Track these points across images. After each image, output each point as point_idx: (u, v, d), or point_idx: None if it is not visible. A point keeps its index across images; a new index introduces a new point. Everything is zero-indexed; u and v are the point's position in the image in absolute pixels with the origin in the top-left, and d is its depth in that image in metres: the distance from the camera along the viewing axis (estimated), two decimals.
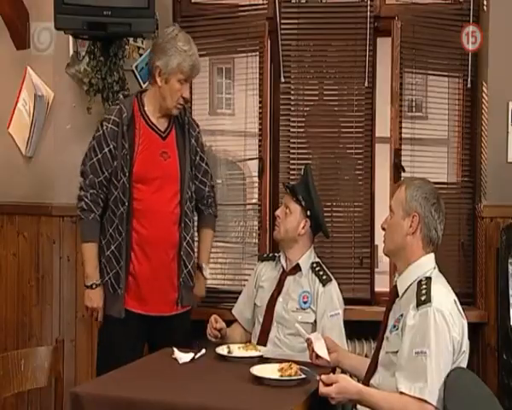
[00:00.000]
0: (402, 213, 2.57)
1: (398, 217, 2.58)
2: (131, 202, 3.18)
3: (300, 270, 3.25)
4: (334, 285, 3.24)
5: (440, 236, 2.58)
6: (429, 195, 2.56)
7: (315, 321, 3.18)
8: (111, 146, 3.21)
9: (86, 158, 3.28)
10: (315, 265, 3.28)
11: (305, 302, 3.20)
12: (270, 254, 3.46)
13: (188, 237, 3.28)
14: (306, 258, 3.27)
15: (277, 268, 3.34)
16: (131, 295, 3.22)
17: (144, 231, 3.20)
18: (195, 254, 3.36)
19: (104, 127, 3.23)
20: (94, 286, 3.25)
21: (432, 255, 2.58)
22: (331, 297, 3.20)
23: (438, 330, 2.36)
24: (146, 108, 3.27)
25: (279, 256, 3.35)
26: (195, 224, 3.39)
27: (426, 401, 2.33)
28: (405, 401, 2.35)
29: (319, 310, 3.18)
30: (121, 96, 3.34)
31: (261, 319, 3.26)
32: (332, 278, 3.26)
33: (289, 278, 3.26)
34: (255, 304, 3.34)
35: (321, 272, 3.25)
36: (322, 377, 2.41)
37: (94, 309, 3.26)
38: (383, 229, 2.67)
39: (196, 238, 3.49)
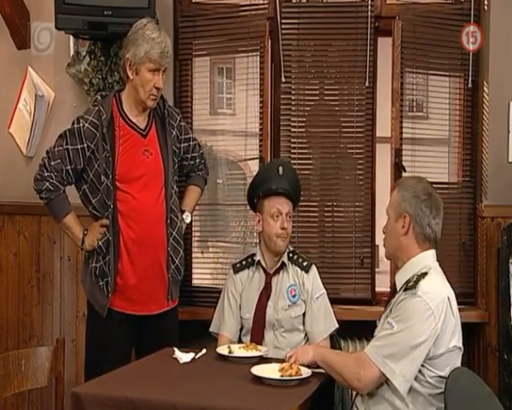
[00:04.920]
0: (394, 216, 2.59)
1: (391, 220, 2.61)
2: (116, 204, 3.13)
3: (285, 265, 3.25)
4: (313, 268, 3.27)
5: (437, 230, 2.57)
6: (419, 192, 2.56)
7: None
8: (85, 145, 3.13)
9: (56, 143, 3.20)
10: (291, 254, 3.28)
11: (293, 296, 3.21)
12: (244, 262, 3.35)
13: (174, 233, 3.24)
14: (286, 252, 3.28)
15: (257, 274, 3.29)
16: (119, 296, 3.17)
17: (131, 232, 3.15)
18: (182, 248, 3.31)
19: (81, 124, 3.15)
20: (85, 232, 3.19)
21: (431, 252, 2.57)
22: (315, 280, 3.25)
23: (417, 312, 2.38)
24: (124, 107, 3.21)
25: (254, 259, 3.29)
26: (180, 218, 3.32)
27: (367, 355, 2.41)
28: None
29: (307, 295, 3.21)
30: (99, 97, 3.24)
31: (249, 329, 3.22)
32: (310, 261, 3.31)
33: (274, 279, 3.25)
34: (242, 317, 3.27)
35: (300, 260, 3.27)
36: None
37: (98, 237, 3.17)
38: (384, 233, 2.69)
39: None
